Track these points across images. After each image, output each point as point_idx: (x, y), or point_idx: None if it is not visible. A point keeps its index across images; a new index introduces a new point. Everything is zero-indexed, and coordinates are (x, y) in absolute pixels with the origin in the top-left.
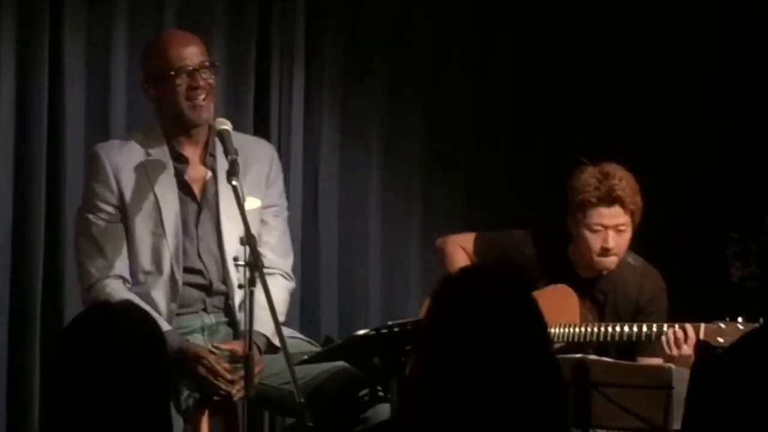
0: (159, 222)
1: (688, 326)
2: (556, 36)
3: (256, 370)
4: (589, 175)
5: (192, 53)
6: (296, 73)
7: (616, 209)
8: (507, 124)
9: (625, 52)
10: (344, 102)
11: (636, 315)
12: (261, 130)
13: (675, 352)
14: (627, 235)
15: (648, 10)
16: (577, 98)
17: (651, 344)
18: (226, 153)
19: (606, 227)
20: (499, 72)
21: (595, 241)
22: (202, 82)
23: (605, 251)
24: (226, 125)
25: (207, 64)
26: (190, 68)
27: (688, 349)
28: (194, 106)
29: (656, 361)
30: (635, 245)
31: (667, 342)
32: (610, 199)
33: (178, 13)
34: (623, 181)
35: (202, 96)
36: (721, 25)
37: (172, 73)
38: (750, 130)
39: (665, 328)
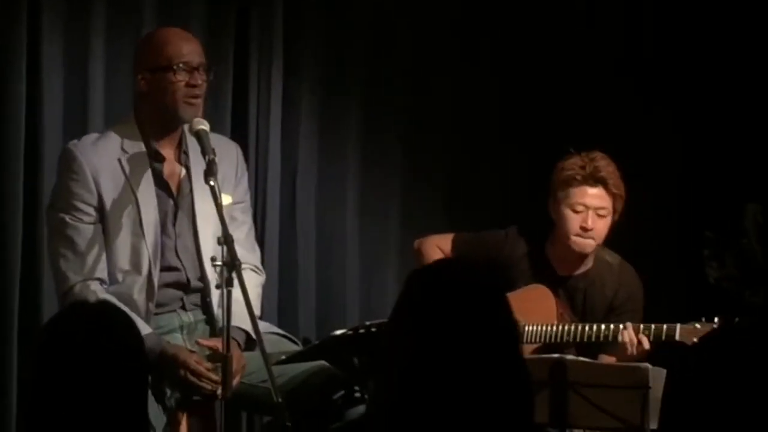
0: (138, 221)
1: (643, 338)
2: (538, 40)
3: (238, 366)
4: (575, 158)
5: (194, 51)
6: (274, 74)
7: (600, 191)
8: (487, 125)
9: (609, 54)
10: (323, 103)
11: (608, 313)
12: (239, 131)
13: (632, 350)
14: (606, 221)
15: (635, 13)
16: (559, 100)
17: (617, 343)
18: (204, 153)
19: (587, 207)
20: (479, 75)
21: (574, 221)
22: (200, 81)
23: (584, 230)
24: (203, 125)
25: (204, 65)
26: (192, 65)
27: (643, 348)
28: (189, 103)
29: (613, 359)
30: (614, 245)
31: (629, 342)
32: (595, 178)
33: (155, 14)
34: (609, 166)
35: (197, 95)
36: (706, 26)
37: (174, 67)
38: (730, 131)
39: (641, 329)
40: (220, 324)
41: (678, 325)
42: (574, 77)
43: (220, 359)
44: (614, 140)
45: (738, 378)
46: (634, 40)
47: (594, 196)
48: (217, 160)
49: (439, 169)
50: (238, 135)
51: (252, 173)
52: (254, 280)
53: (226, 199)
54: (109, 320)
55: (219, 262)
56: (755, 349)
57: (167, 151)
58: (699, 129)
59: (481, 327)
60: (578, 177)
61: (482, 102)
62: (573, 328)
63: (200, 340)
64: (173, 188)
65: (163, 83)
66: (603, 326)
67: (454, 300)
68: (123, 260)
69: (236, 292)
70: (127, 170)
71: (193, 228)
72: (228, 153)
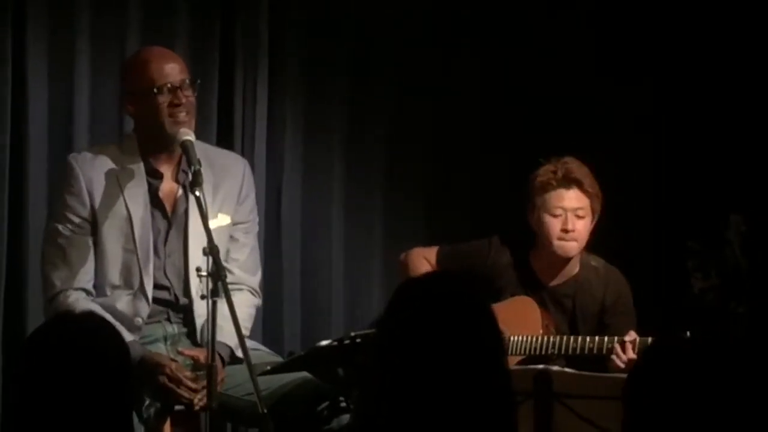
0: (130, 237)
1: (628, 345)
2: (516, 50)
3: (218, 379)
4: (547, 165)
5: (174, 70)
6: (259, 87)
7: (575, 192)
8: (469, 136)
9: (587, 63)
10: (307, 116)
11: (602, 314)
12: (224, 144)
13: (623, 364)
14: (586, 222)
15: (614, 18)
16: (538, 109)
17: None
18: (189, 164)
19: (566, 210)
20: (461, 86)
21: (554, 225)
22: (184, 100)
23: (565, 233)
24: (189, 136)
25: (188, 81)
26: (173, 85)
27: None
28: (176, 122)
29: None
30: (598, 253)
31: (617, 355)
32: (569, 180)
33: (140, 27)
34: (581, 167)
35: (184, 113)
36: (688, 34)
37: (155, 90)
38: (711, 141)
39: (626, 339)
40: (205, 339)
41: None
42: (553, 86)
43: (202, 369)
44: (594, 150)
45: (722, 388)
46: (615, 47)
47: (571, 198)
48: (219, 176)
49: (422, 183)
50: (223, 147)
51: None
52: (249, 300)
53: (224, 219)
54: (93, 328)
55: (204, 273)
56: (743, 358)
57: (165, 168)
58: (679, 140)
59: (467, 339)
60: (553, 182)
61: (464, 113)
62: (558, 340)
63: (182, 350)
64: (168, 207)
65: (148, 105)
66: (588, 339)
67: (442, 312)
68: (113, 275)
69: (224, 306)
70: (123, 186)
71: (184, 247)
72: (233, 169)
